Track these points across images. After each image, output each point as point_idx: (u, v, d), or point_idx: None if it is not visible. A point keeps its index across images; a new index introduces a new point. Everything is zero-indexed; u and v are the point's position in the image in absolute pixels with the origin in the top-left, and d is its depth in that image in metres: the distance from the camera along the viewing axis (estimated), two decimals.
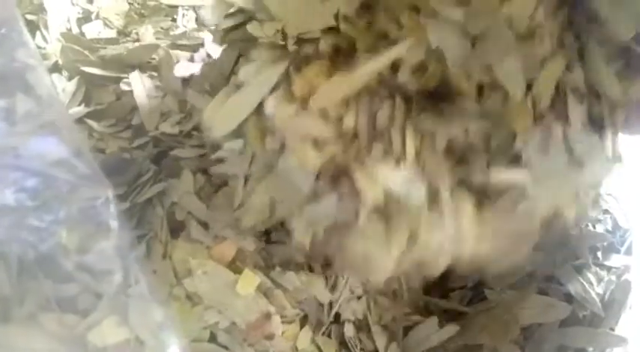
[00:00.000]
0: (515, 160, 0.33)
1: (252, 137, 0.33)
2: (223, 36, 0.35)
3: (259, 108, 0.32)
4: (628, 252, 0.46)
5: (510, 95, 0.32)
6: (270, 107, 0.32)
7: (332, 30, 0.33)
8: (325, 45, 0.33)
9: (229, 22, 0.34)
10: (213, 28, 0.39)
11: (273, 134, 0.32)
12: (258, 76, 0.32)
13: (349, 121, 0.32)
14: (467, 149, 0.33)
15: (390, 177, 0.32)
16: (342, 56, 0.33)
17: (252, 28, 0.34)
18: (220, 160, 0.35)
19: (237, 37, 0.35)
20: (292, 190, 0.33)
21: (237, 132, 0.33)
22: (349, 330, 0.39)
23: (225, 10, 0.35)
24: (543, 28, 0.33)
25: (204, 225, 0.37)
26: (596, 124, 0.35)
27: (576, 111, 0.34)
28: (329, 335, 0.39)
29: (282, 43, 0.33)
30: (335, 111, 0.32)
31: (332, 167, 0.33)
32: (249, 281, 0.36)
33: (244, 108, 0.32)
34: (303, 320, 0.38)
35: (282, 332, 0.37)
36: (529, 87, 0.33)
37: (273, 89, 0.32)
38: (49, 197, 0.30)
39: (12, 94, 0.40)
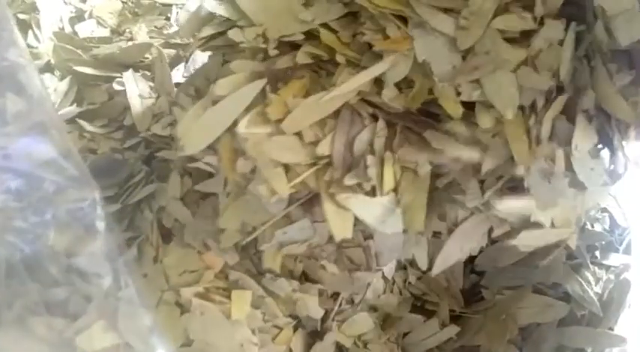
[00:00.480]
0: (513, 185, 0.32)
1: (223, 158, 0.32)
2: (204, 43, 0.34)
3: (232, 127, 0.31)
4: (627, 251, 0.45)
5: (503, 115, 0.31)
6: (242, 128, 0.30)
7: (313, 39, 0.32)
8: (304, 56, 0.32)
9: (210, 31, 0.34)
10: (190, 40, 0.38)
11: (244, 156, 0.31)
12: (233, 93, 0.31)
13: (324, 147, 0.31)
14: (456, 175, 0.32)
15: (364, 210, 0.31)
16: (322, 71, 0.32)
17: (233, 33, 0.33)
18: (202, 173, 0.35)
19: (220, 43, 0.34)
20: (262, 214, 0.33)
21: (213, 148, 0.32)
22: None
23: (199, 23, 0.34)
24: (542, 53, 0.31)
25: (194, 232, 0.37)
26: (604, 143, 0.34)
27: (584, 133, 0.32)
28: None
29: (264, 46, 0.32)
30: (311, 133, 0.31)
31: (303, 193, 0.32)
32: (242, 300, 0.36)
33: (217, 126, 0.31)
34: (297, 326, 0.38)
35: (274, 337, 0.36)
36: (529, 108, 0.32)
37: (248, 108, 0.31)
38: (36, 198, 0.29)
39: (2, 94, 0.40)
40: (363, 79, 0.31)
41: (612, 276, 0.44)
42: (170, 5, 0.53)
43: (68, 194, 0.29)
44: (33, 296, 0.30)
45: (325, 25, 0.32)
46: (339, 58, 0.31)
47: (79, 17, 0.52)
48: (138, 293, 0.29)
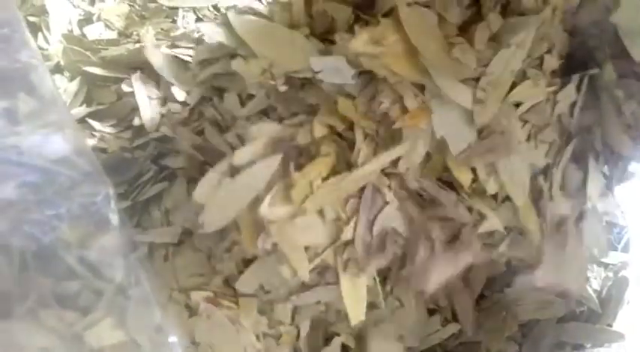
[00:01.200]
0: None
1: (244, 232, 0.32)
2: (201, 71, 0.34)
3: (253, 202, 0.31)
4: (625, 249, 0.46)
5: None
6: (264, 210, 0.30)
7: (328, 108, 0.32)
8: (321, 128, 0.32)
9: (206, 55, 0.34)
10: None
11: (265, 234, 0.31)
12: (253, 167, 0.31)
13: (348, 232, 0.31)
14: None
15: None
16: (342, 142, 0.32)
17: (236, 64, 0.33)
18: None
19: (218, 70, 0.34)
20: (280, 281, 0.33)
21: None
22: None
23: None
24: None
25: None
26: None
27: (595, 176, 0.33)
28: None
29: (272, 82, 0.32)
30: (332, 212, 0.32)
31: (323, 269, 0.32)
32: (249, 308, 0.36)
33: (237, 202, 0.31)
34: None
35: (280, 337, 0.37)
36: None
37: (269, 185, 0.31)
38: (51, 192, 0.30)
39: (14, 94, 0.41)
40: (384, 160, 0.31)
41: (611, 274, 0.45)
42: (177, 8, 0.54)
43: (82, 189, 0.30)
44: (45, 289, 0.30)
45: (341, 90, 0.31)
46: (358, 133, 0.31)
47: (87, 20, 0.53)
48: (149, 290, 0.30)
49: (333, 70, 0.31)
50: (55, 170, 0.33)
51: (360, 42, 0.30)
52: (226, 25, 0.34)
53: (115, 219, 0.30)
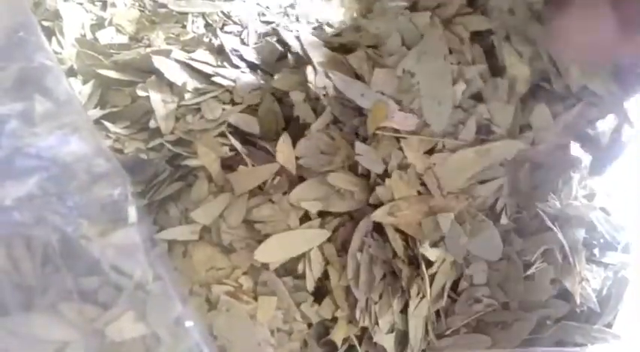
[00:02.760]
0: None
1: None
2: None
3: None
4: (625, 250, 0.47)
5: None
6: None
7: None
8: None
9: None
10: None
11: None
12: None
13: None
14: None
15: None
16: None
17: None
18: None
19: None
20: None
21: None
22: None
23: None
24: None
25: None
26: None
27: None
28: None
29: None
30: None
31: None
32: (268, 305, 0.38)
33: None
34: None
35: (292, 333, 0.38)
36: None
37: None
38: (70, 188, 0.31)
39: (30, 96, 0.42)
40: None
41: (610, 274, 0.46)
42: (186, 14, 0.56)
43: (101, 185, 0.31)
44: (66, 283, 0.31)
45: None
46: None
47: (99, 25, 0.54)
48: (169, 285, 0.31)
49: None
50: (73, 167, 0.34)
51: None
52: None
53: (133, 214, 0.31)
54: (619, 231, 0.46)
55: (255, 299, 0.36)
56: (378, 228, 0.42)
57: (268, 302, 0.36)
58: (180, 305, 0.31)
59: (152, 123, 0.43)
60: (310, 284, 0.37)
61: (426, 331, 0.43)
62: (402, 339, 0.43)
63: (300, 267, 0.39)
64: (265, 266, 0.37)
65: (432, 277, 0.41)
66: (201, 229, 0.37)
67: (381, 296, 0.41)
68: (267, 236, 0.37)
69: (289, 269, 0.38)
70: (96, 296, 0.32)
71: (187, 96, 0.46)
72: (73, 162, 0.34)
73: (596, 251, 0.47)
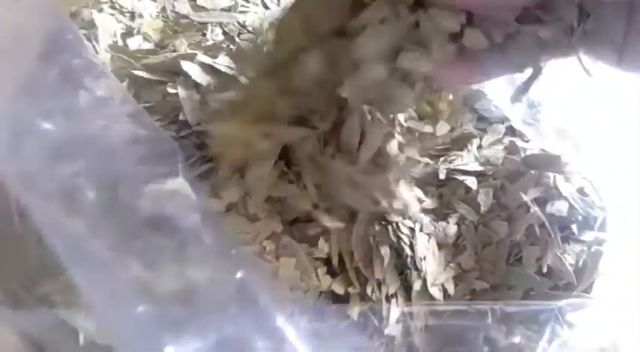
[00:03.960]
0: None
1: None
2: None
3: None
4: (601, 228, 0.53)
5: None
6: None
7: None
8: None
9: None
10: None
11: None
12: None
13: None
14: None
15: None
16: None
17: None
18: None
19: None
20: None
21: None
22: None
23: None
24: None
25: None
26: None
27: None
28: None
29: None
30: None
31: None
32: (287, 266, 0.43)
33: None
34: None
35: (307, 291, 0.44)
36: None
37: None
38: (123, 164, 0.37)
39: (76, 90, 0.48)
40: None
41: (585, 248, 0.51)
42: (206, 24, 0.62)
43: (149, 163, 0.37)
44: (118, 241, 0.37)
45: None
46: None
47: (128, 33, 0.60)
48: (208, 245, 0.37)
49: None
50: (122, 149, 0.40)
51: None
52: None
53: (182, 185, 0.37)
54: (595, 210, 0.52)
55: (277, 259, 0.42)
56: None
57: (288, 263, 0.42)
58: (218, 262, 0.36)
59: (181, 116, 0.49)
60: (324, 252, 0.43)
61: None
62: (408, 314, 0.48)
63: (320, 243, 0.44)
64: (285, 232, 0.43)
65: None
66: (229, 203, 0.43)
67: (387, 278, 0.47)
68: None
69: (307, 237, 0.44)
70: (141, 254, 0.37)
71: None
72: (121, 146, 0.40)
73: (575, 229, 0.52)
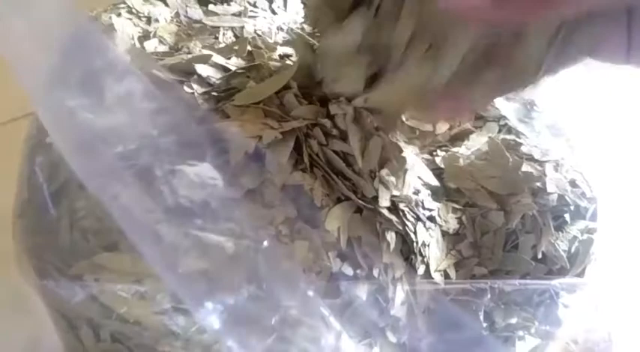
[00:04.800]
0: None
1: None
2: None
3: None
4: (592, 218, 0.57)
5: None
6: None
7: None
8: None
9: None
10: None
11: None
12: None
13: None
14: None
15: None
16: None
17: None
18: None
19: None
20: None
21: None
22: None
23: None
24: None
25: None
26: None
27: None
28: None
29: None
30: None
31: None
32: (301, 249, 0.47)
33: None
34: None
35: (320, 272, 0.47)
36: None
37: None
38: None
39: (102, 87, 0.52)
40: None
41: (578, 235, 0.55)
42: (218, 27, 0.65)
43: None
44: None
45: None
46: None
47: (145, 36, 0.63)
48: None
49: None
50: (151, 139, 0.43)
51: None
52: None
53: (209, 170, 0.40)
54: (585, 201, 0.56)
55: (292, 241, 0.45)
56: None
57: (302, 245, 0.45)
58: None
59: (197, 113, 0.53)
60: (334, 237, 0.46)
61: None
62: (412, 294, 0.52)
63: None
64: (299, 218, 0.46)
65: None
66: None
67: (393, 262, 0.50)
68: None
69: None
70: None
71: None
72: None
73: (567, 218, 0.56)
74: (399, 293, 0.50)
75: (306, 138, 0.47)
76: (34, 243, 0.46)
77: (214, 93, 0.55)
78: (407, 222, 0.49)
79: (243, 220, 0.42)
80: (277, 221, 0.45)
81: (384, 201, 0.48)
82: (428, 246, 0.51)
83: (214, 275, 0.38)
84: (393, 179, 0.50)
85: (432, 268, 0.52)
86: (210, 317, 0.38)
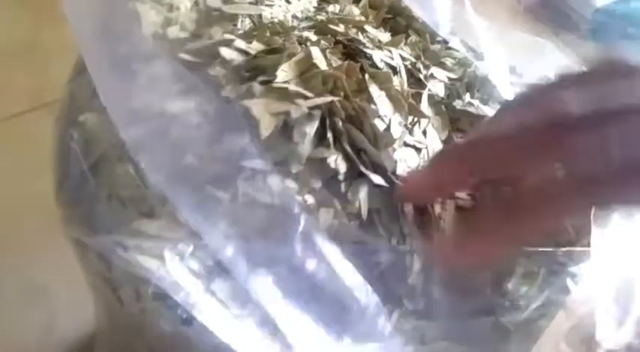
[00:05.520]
0: None
1: None
2: None
3: None
4: None
5: None
6: None
7: None
8: None
9: None
10: None
11: None
12: None
13: None
14: None
15: None
16: None
17: None
18: None
19: None
20: None
21: None
22: None
23: None
24: None
25: None
26: None
27: None
28: None
29: None
30: None
31: None
32: (326, 214, 0.49)
33: None
34: None
35: None
36: None
37: None
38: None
39: (134, 73, 0.54)
40: None
41: None
42: (236, 15, 0.68)
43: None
44: None
45: None
46: None
47: (167, 23, 0.66)
48: None
49: None
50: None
51: None
52: None
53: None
54: None
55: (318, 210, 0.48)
56: None
57: (327, 212, 0.48)
58: None
59: (223, 93, 0.56)
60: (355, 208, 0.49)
61: None
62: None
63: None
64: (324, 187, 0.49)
65: None
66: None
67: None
68: None
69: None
70: None
71: None
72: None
73: None
74: (416, 264, 0.53)
75: (329, 115, 0.50)
76: (76, 213, 0.49)
77: (239, 76, 0.57)
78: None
79: (272, 191, 0.45)
80: (303, 191, 0.48)
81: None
82: (444, 219, 0.54)
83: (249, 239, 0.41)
84: None
85: None
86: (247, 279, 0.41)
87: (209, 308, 0.42)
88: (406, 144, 0.55)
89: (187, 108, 0.50)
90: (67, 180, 0.50)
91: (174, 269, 0.43)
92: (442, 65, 0.65)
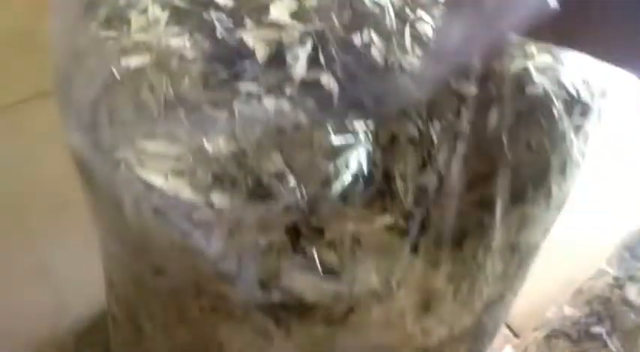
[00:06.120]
0: None
1: None
2: None
3: None
4: None
5: None
6: None
7: None
8: None
9: None
10: None
11: None
12: None
13: None
14: None
15: None
16: None
17: None
18: None
19: None
20: None
21: None
22: None
23: None
24: None
25: None
26: None
27: None
28: None
29: None
30: None
31: None
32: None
33: None
34: None
35: None
36: None
37: None
38: None
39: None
40: None
41: None
42: None
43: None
44: None
45: None
46: None
47: None
48: None
49: None
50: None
51: None
52: None
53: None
54: None
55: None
56: None
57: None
58: None
59: (218, 35, 0.58)
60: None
61: None
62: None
63: None
64: None
65: None
66: None
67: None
68: None
69: None
70: None
71: None
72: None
73: None
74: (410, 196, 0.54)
75: (321, 41, 0.52)
76: (81, 138, 0.51)
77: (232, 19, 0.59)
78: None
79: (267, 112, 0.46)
80: (298, 112, 0.50)
81: None
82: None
83: None
84: None
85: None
86: None
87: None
88: None
89: (184, 44, 0.52)
90: (75, 110, 0.52)
91: (175, 184, 0.44)
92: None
